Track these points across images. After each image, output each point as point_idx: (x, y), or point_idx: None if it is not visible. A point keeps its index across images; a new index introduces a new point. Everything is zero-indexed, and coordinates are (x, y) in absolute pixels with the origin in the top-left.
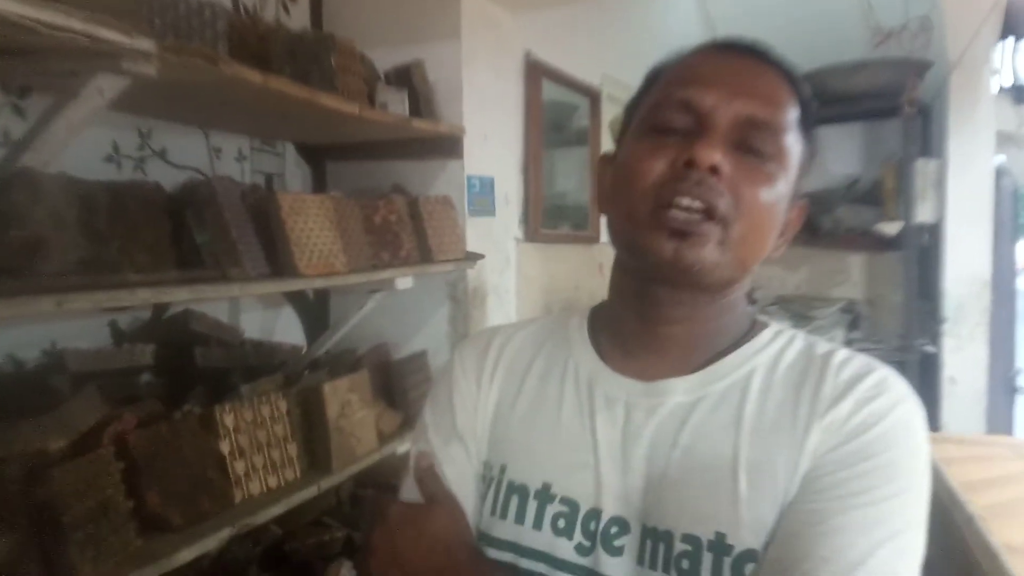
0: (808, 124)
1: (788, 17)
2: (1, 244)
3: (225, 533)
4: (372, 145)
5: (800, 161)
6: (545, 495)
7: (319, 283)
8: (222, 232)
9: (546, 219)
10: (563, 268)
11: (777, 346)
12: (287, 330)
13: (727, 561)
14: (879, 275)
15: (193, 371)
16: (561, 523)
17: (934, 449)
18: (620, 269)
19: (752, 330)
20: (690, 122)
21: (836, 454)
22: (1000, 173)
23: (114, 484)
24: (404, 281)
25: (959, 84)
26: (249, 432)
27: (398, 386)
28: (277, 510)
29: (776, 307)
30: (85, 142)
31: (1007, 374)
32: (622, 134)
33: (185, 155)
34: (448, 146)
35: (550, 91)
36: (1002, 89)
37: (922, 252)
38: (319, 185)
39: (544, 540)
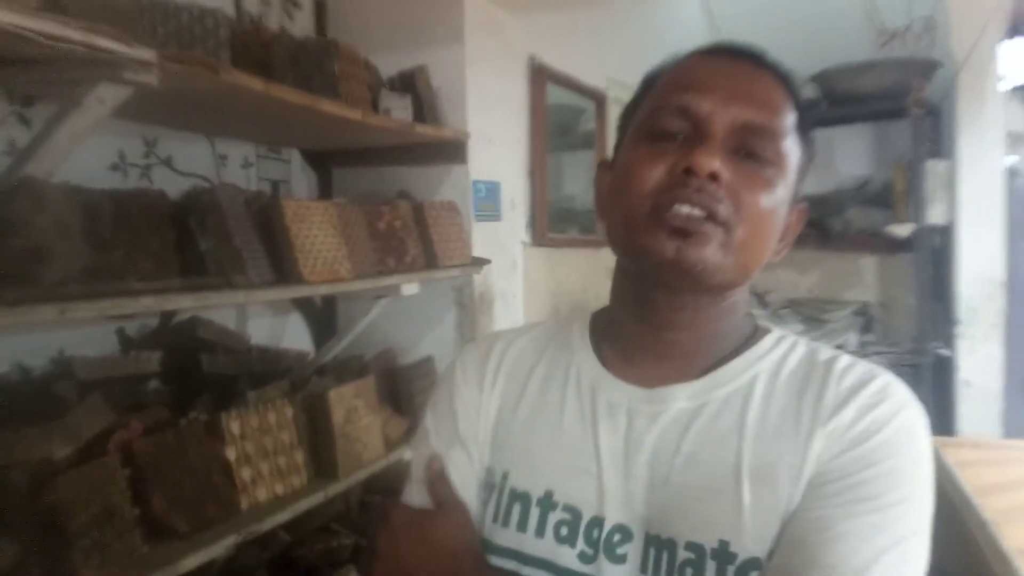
0: (805, 128)
1: (792, 18)
2: (4, 253)
3: (231, 540)
4: (378, 151)
5: (798, 165)
6: (547, 502)
7: (323, 290)
8: (226, 239)
9: (554, 223)
10: (571, 272)
11: (780, 352)
12: (295, 336)
13: (731, 569)
14: (891, 277)
15: (200, 378)
16: (564, 531)
17: (948, 453)
18: (621, 274)
19: (754, 336)
20: (688, 128)
21: (839, 461)
22: (1012, 173)
23: (120, 491)
24: (410, 287)
25: (967, 84)
26: (255, 439)
27: (404, 392)
28: (283, 517)
29: (788, 310)
30: (91, 151)
31: (1022, 376)
32: (619, 140)
33: (191, 163)
34: (453, 151)
35: (555, 94)
36: (1013, 89)
37: (934, 254)
38: (325, 191)
39: (546, 548)
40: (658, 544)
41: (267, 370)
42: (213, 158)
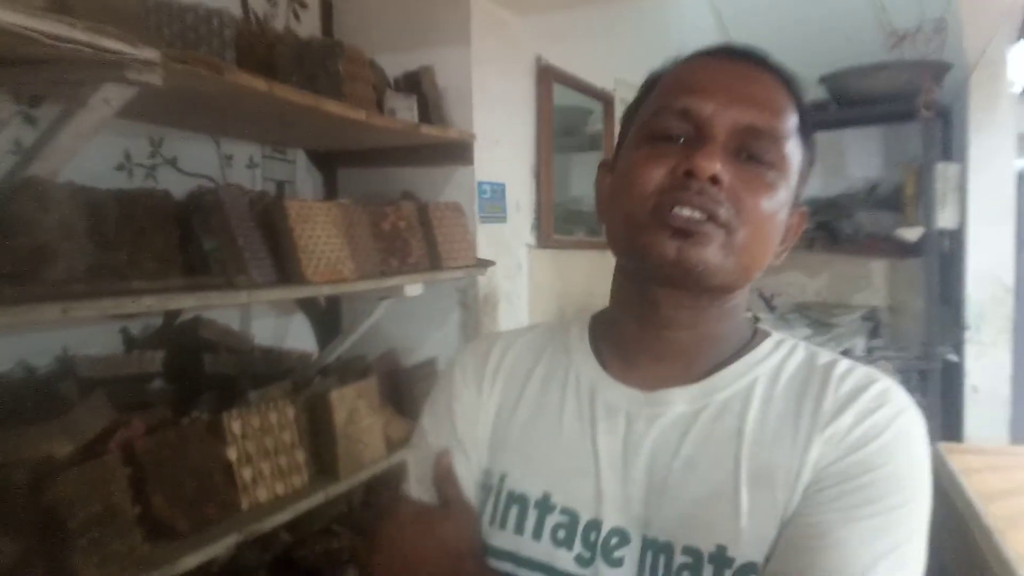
0: (807, 130)
1: (800, 19)
2: (8, 252)
3: (231, 539)
4: (383, 152)
5: (800, 168)
6: (545, 505)
7: (326, 290)
8: (228, 239)
9: (561, 225)
10: (577, 274)
11: (779, 356)
12: (299, 336)
13: (728, 573)
14: (900, 281)
15: (202, 378)
16: (561, 533)
17: (954, 459)
18: (621, 275)
19: (754, 339)
20: (689, 130)
21: (838, 466)
22: (1023, 177)
23: (120, 490)
24: (413, 288)
25: (978, 86)
26: (256, 439)
27: (407, 393)
28: (284, 517)
29: (796, 314)
30: (97, 150)
31: None
32: (620, 141)
33: (196, 163)
34: (458, 152)
35: (563, 96)
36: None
37: (944, 258)
38: (330, 192)
39: (544, 550)
40: (655, 548)
41: (270, 370)
42: (218, 158)
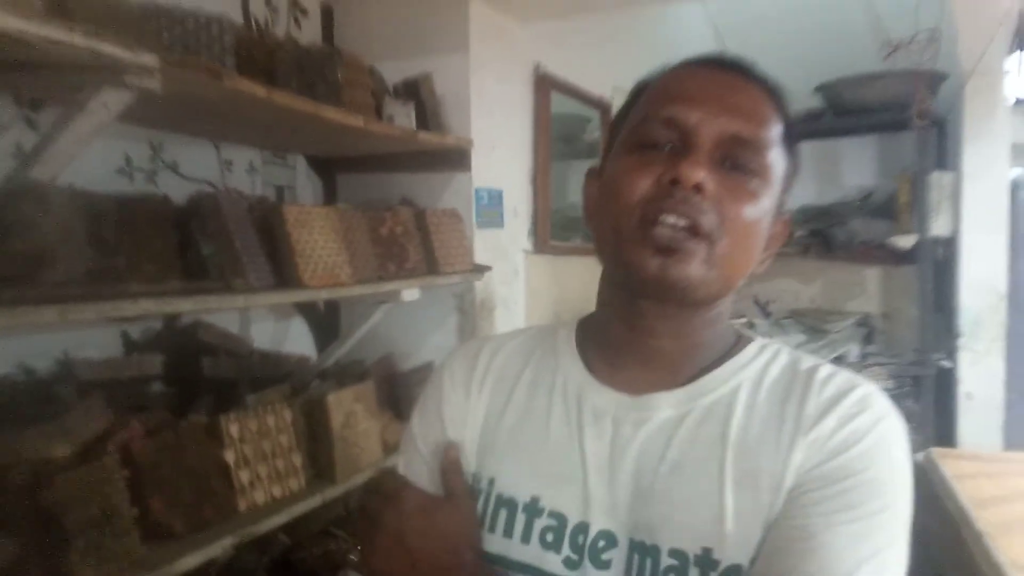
0: (791, 140)
1: (796, 29)
2: (7, 255)
3: (228, 541)
4: (382, 157)
5: (784, 176)
6: (533, 508)
7: (323, 294)
8: (226, 244)
9: (557, 231)
10: (574, 279)
11: (762, 361)
12: (297, 340)
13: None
14: (894, 288)
15: (201, 381)
16: (549, 537)
17: (948, 465)
18: (607, 282)
19: (737, 344)
20: (675, 139)
21: (820, 471)
22: (1017, 185)
23: (118, 491)
24: (410, 293)
25: (973, 96)
26: (254, 442)
27: (404, 397)
28: (280, 519)
29: (790, 320)
30: (98, 155)
31: None
32: (608, 149)
33: (196, 167)
34: (456, 158)
35: (561, 103)
36: (1018, 101)
37: (937, 265)
38: (330, 197)
39: (532, 554)
40: (642, 550)
41: (268, 374)
42: (218, 163)
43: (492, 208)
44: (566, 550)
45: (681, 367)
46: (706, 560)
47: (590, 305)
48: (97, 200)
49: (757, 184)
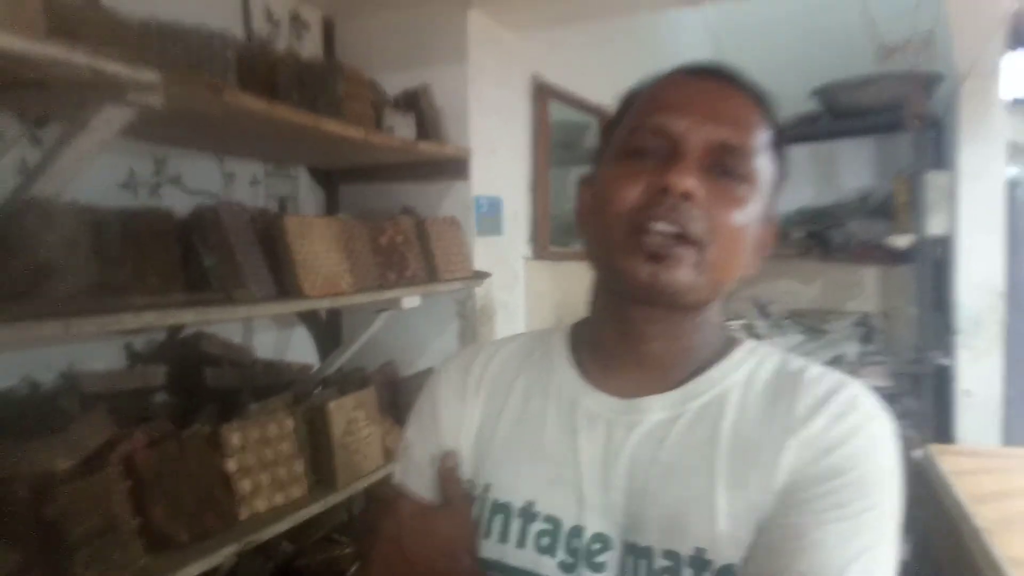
0: (778, 145)
1: (793, 33)
2: (12, 270)
3: (230, 550)
4: (383, 168)
5: (772, 182)
6: (528, 513)
7: (324, 303)
8: (228, 255)
9: (557, 237)
10: (574, 284)
11: (752, 363)
12: (300, 349)
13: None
14: (893, 288)
15: (204, 391)
16: (545, 541)
17: (946, 461)
18: (599, 288)
19: (728, 347)
20: (664, 147)
21: (810, 470)
22: (1014, 184)
23: (120, 502)
24: (411, 300)
25: (969, 96)
26: (256, 450)
27: (405, 403)
28: (282, 527)
29: (790, 321)
30: (102, 169)
31: None
32: (599, 157)
33: (199, 181)
34: (455, 167)
35: (560, 111)
36: (1015, 101)
37: (935, 265)
38: (332, 207)
39: (528, 558)
40: (636, 552)
41: (271, 383)
42: (221, 176)
43: (491, 215)
44: (561, 554)
45: (672, 370)
46: (699, 560)
47: None
48: (100, 215)
49: (745, 190)
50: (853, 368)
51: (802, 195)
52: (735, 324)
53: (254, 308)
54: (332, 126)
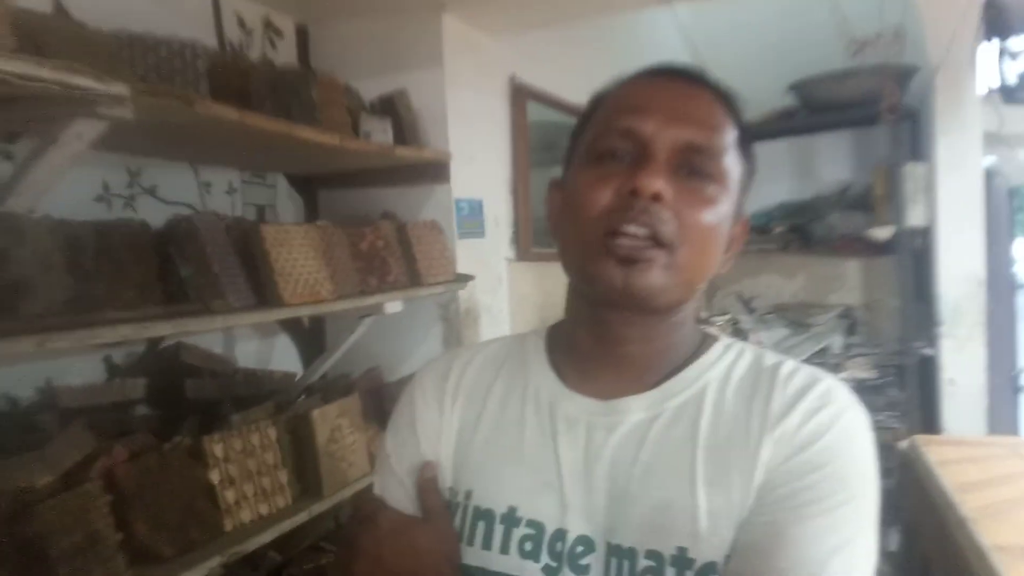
0: (746, 144)
1: (767, 31)
2: None
3: (215, 562)
4: (363, 173)
5: (740, 179)
6: (511, 519)
7: (304, 311)
8: (204, 266)
9: (540, 238)
10: (557, 285)
11: (728, 360)
12: (283, 357)
13: (689, 574)
14: (875, 280)
15: (185, 403)
16: (528, 546)
17: (932, 451)
18: (574, 293)
19: (703, 345)
20: (632, 149)
21: (787, 466)
22: (991, 173)
23: (102, 517)
24: (393, 305)
25: (944, 87)
26: (239, 461)
27: (391, 409)
28: (268, 537)
29: (774, 315)
30: (75, 183)
31: (1010, 374)
32: (568, 160)
33: (175, 191)
34: (435, 171)
35: (541, 112)
36: (990, 91)
37: (916, 255)
38: (311, 214)
39: (512, 564)
40: (619, 554)
41: (253, 392)
42: (197, 186)
43: (473, 218)
44: (545, 558)
45: (649, 371)
46: (681, 559)
47: None
48: (74, 228)
49: (714, 190)
50: (838, 361)
51: (782, 189)
52: (720, 320)
53: (232, 318)
54: (307, 133)
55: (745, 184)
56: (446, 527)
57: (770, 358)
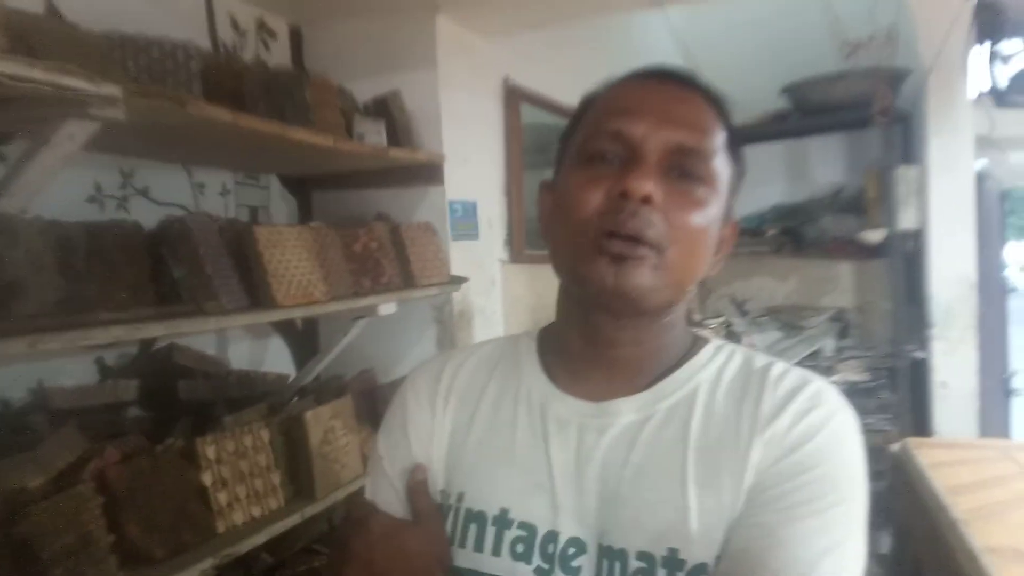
0: (735, 146)
1: (760, 34)
2: None
3: (207, 564)
4: (356, 175)
5: (729, 182)
6: (503, 520)
7: (297, 313)
8: (197, 267)
9: (533, 239)
10: (550, 287)
11: (719, 362)
12: (276, 359)
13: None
14: (867, 282)
15: (177, 404)
16: (520, 548)
17: (923, 453)
18: (565, 295)
19: (694, 347)
20: (622, 151)
21: (777, 467)
22: (983, 176)
23: (94, 519)
24: (387, 307)
25: (936, 90)
26: (231, 463)
27: (384, 411)
28: (260, 539)
29: (767, 318)
30: (68, 184)
31: (1001, 377)
32: (559, 162)
33: (168, 192)
34: (429, 173)
35: (535, 114)
36: (981, 94)
37: (908, 258)
38: (305, 215)
39: (504, 566)
40: (610, 555)
41: (245, 394)
42: (190, 187)
43: (466, 220)
44: (536, 560)
45: (641, 372)
46: (672, 560)
47: None
48: (67, 229)
49: (704, 192)
50: (830, 363)
51: (775, 192)
52: (714, 322)
53: (225, 319)
54: (300, 134)
55: (734, 186)
56: (437, 529)
57: (760, 360)
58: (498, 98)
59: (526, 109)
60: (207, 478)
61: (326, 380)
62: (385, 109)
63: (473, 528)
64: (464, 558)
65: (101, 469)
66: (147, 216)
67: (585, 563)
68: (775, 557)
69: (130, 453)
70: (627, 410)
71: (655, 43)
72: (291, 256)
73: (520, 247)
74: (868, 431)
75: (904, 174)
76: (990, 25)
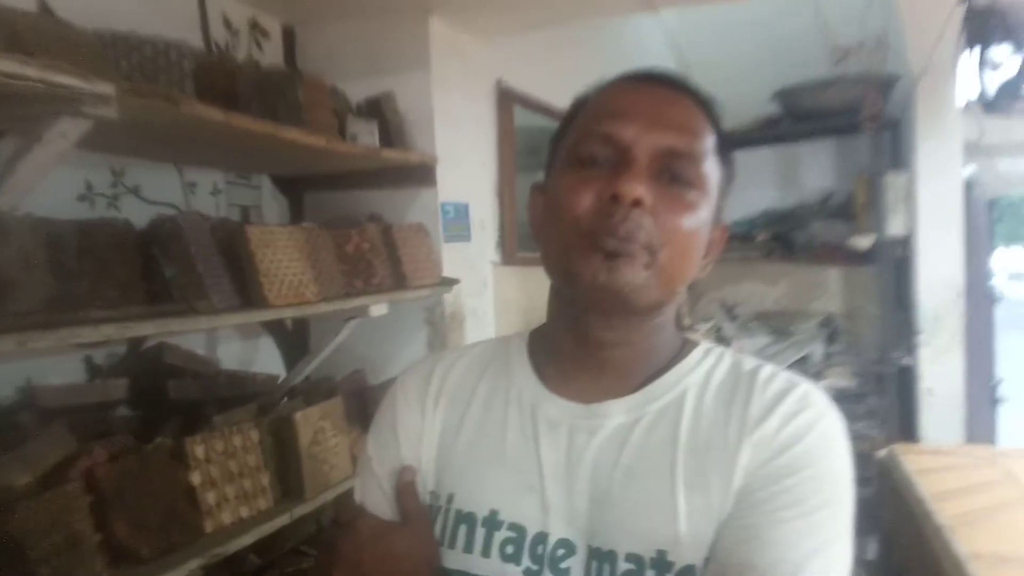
0: (725, 149)
1: (752, 39)
2: None
3: (195, 564)
4: (349, 175)
5: (720, 185)
6: (492, 522)
7: (288, 313)
8: (188, 266)
9: (525, 241)
10: (543, 289)
11: (708, 364)
12: (267, 359)
13: None
14: (856, 288)
15: (167, 404)
16: (509, 549)
17: (910, 459)
18: (556, 296)
19: (684, 349)
20: (613, 154)
21: (765, 470)
22: (971, 183)
23: (82, 518)
24: (378, 308)
25: (925, 97)
26: (220, 463)
27: (374, 412)
28: (248, 539)
29: (757, 323)
30: (59, 182)
31: (988, 384)
32: (550, 164)
33: (159, 191)
34: (421, 174)
35: (528, 117)
36: (970, 101)
37: (896, 264)
38: (297, 216)
39: (493, 567)
40: (600, 556)
41: (235, 394)
42: (182, 186)
43: (459, 222)
44: (526, 561)
45: (631, 374)
46: (661, 562)
47: None
48: (57, 227)
49: (694, 195)
50: (819, 369)
51: (765, 197)
52: (704, 327)
53: (216, 319)
54: (292, 134)
55: (724, 189)
56: (425, 531)
57: (749, 363)
58: (491, 100)
59: (519, 111)
60: (196, 478)
61: (316, 381)
62: (378, 110)
63: (463, 529)
64: (454, 559)
65: (89, 468)
66: (138, 215)
67: (574, 564)
68: (762, 558)
69: (118, 452)
70: (617, 412)
71: (648, 46)
72: (283, 256)
73: (512, 249)
74: (855, 437)
75: (893, 180)
76: (980, 31)
